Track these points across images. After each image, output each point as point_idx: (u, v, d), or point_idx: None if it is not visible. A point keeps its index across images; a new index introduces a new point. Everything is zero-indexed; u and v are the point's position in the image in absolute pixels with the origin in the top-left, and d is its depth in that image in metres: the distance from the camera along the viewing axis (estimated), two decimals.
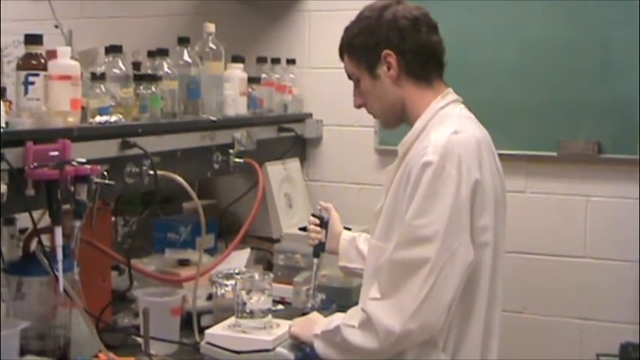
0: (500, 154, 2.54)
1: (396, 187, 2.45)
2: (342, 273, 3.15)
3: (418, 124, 2.50)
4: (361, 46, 2.54)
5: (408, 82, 2.52)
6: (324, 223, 3.10)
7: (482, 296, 2.41)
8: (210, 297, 3.14)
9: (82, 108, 2.66)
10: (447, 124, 2.41)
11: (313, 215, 3.15)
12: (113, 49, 2.99)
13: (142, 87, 2.98)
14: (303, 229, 3.48)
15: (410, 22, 2.50)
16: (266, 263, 3.74)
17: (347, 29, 2.62)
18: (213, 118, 3.33)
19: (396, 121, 2.62)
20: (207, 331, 2.82)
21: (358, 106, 2.67)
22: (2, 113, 2.26)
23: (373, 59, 2.52)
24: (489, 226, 2.38)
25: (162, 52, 3.19)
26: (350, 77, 2.64)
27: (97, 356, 2.63)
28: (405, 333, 2.28)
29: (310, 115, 4.30)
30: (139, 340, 2.80)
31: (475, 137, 2.41)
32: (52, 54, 2.58)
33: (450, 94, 2.55)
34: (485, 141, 2.46)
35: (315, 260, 3.10)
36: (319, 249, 3.10)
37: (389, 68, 2.51)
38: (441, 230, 2.27)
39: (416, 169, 2.32)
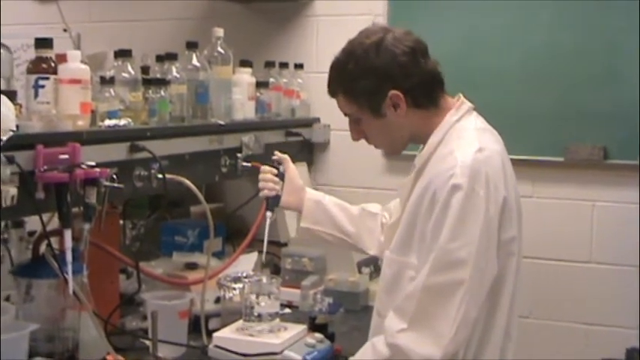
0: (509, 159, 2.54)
1: (415, 202, 2.41)
2: (300, 234, 2.97)
3: (434, 139, 2.46)
4: (364, 89, 2.45)
5: (415, 114, 2.47)
6: (280, 175, 2.92)
7: (504, 304, 2.40)
8: (218, 300, 3.15)
9: (92, 111, 2.67)
10: (469, 141, 2.38)
11: (269, 165, 2.96)
12: (122, 53, 2.99)
13: (150, 91, 2.99)
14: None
15: (409, 56, 2.43)
16: (273, 267, 3.75)
17: (340, 70, 2.51)
18: (222, 122, 3.34)
19: (402, 148, 2.59)
20: (215, 334, 2.83)
21: (357, 140, 2.62)
22: (13, 116, 2.26)
23: (378, 100, 2.45)
24: (515, 236, 2.39)
25: (171, 57, 3.19)
26: (346, 115, 2.59)
27: (105, 359, 2.64)
28: (445, 356, 2.25)
29: (318, 120, 4.32)
30: (147, 342, 2.82)
31: (498, 153, 2.40)
32: (61, 58, 2.59)
33: (464, 105, 2.52)
34: (504, 152, 2.45)
35: (269, 214, 2.88)
36: (274, 202, 2.90)
37: (396, 108, 2.45)
38: (474, 251, 2.25)
39: (444, 190, 2.29)
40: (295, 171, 2.96)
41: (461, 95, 2.56)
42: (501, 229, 2.32)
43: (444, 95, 2.53)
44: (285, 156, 2.97)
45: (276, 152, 3.00)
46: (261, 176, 2.92)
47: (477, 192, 2.27)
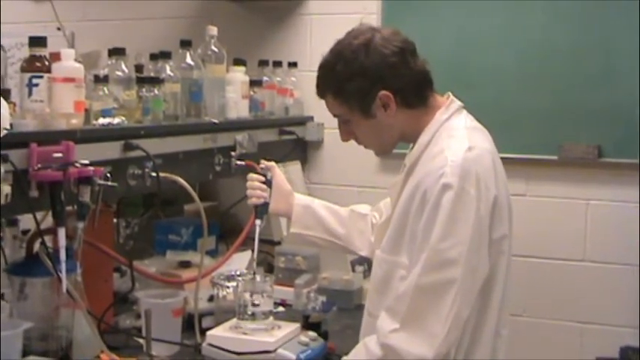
0: (501, 158, 2.53)
1: (406, 201, 2.41)
2: (291, 239, 3.00)
3: (423, 138, 2.46)
4: (354, 91, 2.44)
5: (405, 114, 2.47)
6: (267, 182, 2.91)
7: (495, 303, 2.40)
8: (211, 299, 3.15)
9: (86, 110, 2.67)
10: (459, 140, 2.38)
11: (257, 172, 2.94)
12: (116, 52, 2.99)
13: (144, 89, 2.99)
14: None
15: (398, 56, 2.43)
16: (267, 265, 3.75)
17: (329, 71, 2.49)
18: (215, 121, 3.34)
19: (392, 148, 2.59)
20: (208, 333, 2.83)
21: (346, 141, 2.62)
22: (7, 115, 2.26)
23: (368, 101, 2.44)
24: (506, 235, 2.39)
25: (165, 55, 3.19)
26: (335, 116, 2.58)
27: (98, 357, 2.63)
28: (437, 356, 2.25)
29: (311, 118, 4.33)
30: (141, 341, 2.83)
31: (488, 151, 2.40)
32: (55, 56, 2.59)
33: (453, 104, 2.52)
34: (494, 151, 2.45)
35: (258, 222, 2.87)
36: (263, 210, 2.90)
37: (386, 108, 2.44)
38: (465, 250, 2.25)
39: (434, 190, 2.28)
40: (283, 177, 2.96)
41: (450, 94, 2.56)
42: (492, 228, 2.33)
43: (434, 94, 2.53)
44: (272, 163, 2.97)
45: (262, 160, 2.98)
46: (248, 184, 2.91)
47: (467, 191, 2.27)
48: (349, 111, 2.50)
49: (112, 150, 2.73)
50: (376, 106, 2.45)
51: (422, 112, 2.49)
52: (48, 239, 2.59)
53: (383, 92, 2.43)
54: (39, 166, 2.32)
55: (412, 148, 2.53)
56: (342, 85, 2.47)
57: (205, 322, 3.04)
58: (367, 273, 3.56)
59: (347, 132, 2.58)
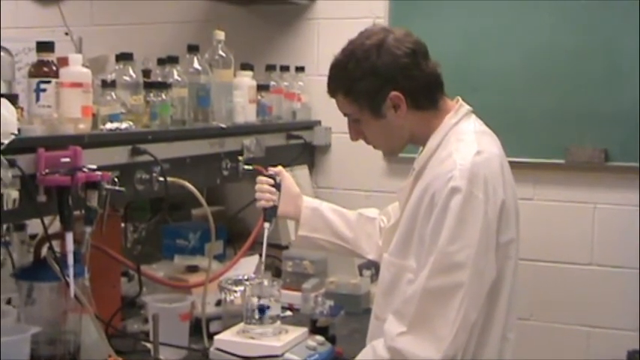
0: (508, 162, 2.53)
1: (414, 204, 2.42)
2: (297, 241, 2.98)
3: (432, 142, 2.47)
4: (365, 90, 2.45)
5: (415, 115, 2.48)
6: (276, 185, 2.91)
7: (502, 307, 2.40)
8: (219, 303, 3.15)
9: (93, 115, 2.67)
10: (468, 144, 2.39)
11: (266, 176, 2.94)
12: (123, 57, 2.99)
13: (152, 94, 2.99)
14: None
15: (410, 57, 2.44)
16: (274, 270, 3.75)
17: (341, 70, 2.51)
18: (223, 126, 3.34)
19: (400, 149, 2.60)
20: (216, 337, 2.83)
21: (355, 140, 2.63)
22: (14, 120, 2.27)
23: (378, 101, 2.45)
24: (514, 239, 2.39)
25: (172, 60, 3.20)
26: (345, 115, 2.59)
27: None
28: (444, 359, 2.25)
29: (319, 123, 4.32)
30: (149, 345, 2.83)
31: (497, 155, 2.41)
32: (63, 61, 2.59)
33: (462, 108, 2.52)
34: (502, 155, 2.46)
35: (267, 225, 2.88)
36: (271, 213, 2.90)
37: (396, 109, 2.45)
38: (473, 253, 2.26)
39: (442, 193, 2.29)
40: (292, 180, 2.97)
41: (459, 98, 2.57)
42: (499, 232, 2.33)
43: (444, 97, 2.53)
44: (280, 168, 2.98)
45: (269, 167, 2.99)
46: (257, 187, 2.92)
47: (475, 195, 2.27)
48: (359, 110, 2.51)
49: (119, 155, 2.74)
50: (386, 106, 2.45)
51: (432, 114, 2.50)
52: (55, 244, 2.59)
53: (394, 93, 2.43)
54: (47, 171, 2.32)
55: (421, 151, 2.53)
56: (353, 84, 2.47)
57: (213, 327, 3.04)
58: (375, 277, 3.55)
59: (356, 131, 2.59)
